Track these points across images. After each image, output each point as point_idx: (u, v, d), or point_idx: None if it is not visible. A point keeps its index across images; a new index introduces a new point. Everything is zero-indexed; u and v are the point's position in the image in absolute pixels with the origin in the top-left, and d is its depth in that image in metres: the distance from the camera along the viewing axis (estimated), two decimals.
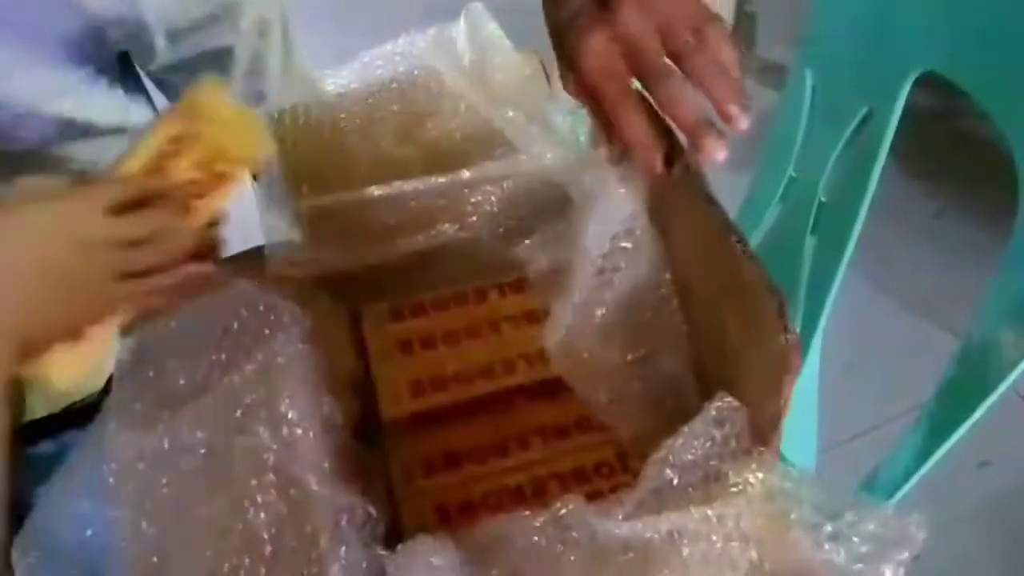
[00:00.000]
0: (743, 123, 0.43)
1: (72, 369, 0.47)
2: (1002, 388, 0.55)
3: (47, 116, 0.71)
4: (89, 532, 0.30)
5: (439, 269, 0.64)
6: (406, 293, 0.64)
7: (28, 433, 0.90)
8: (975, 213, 1.44)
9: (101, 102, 0.75)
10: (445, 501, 0.49)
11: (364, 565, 0.38)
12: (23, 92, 0.69)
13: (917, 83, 0.60)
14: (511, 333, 0.60)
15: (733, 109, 0.43)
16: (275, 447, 0.43)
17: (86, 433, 0.47)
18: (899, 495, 0.66)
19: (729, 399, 0.37)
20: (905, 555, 0.32)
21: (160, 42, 0.77)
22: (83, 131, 0.74)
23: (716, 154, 0.43)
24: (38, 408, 0.99)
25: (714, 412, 0.36)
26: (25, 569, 0.42)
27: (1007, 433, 0.96)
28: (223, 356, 0.47)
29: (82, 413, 0.48)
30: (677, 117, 0.44)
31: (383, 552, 0.39)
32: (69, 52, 0.70)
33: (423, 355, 0.56)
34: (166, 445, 0.45)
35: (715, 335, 0.47)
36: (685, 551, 0.30)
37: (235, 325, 0.49)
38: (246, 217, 0.59)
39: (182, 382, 0.47)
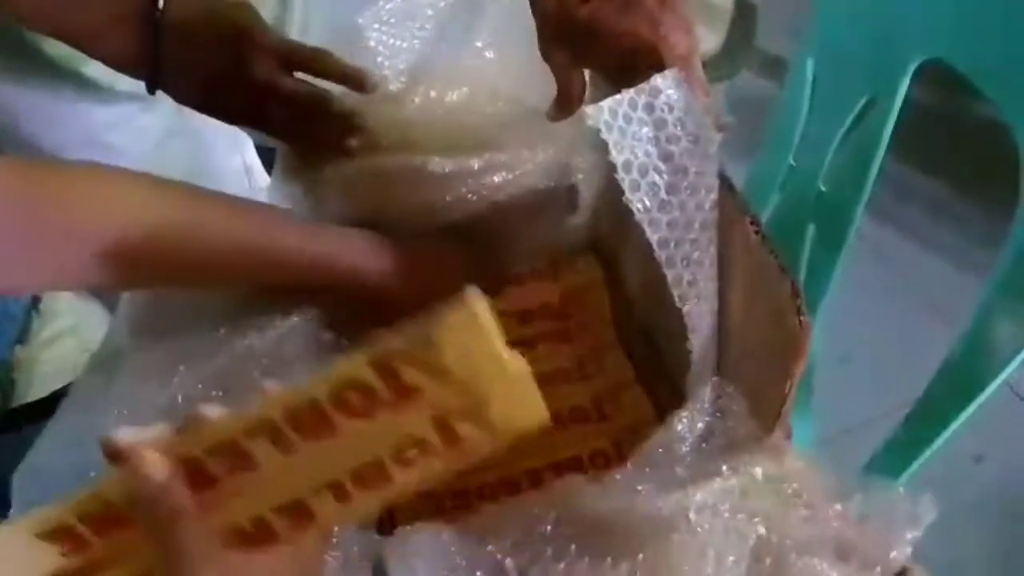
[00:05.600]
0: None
1: None
2: (998, 382, 0.55)
3: (83, 77, 0.72)
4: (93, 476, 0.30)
5: None
6: None
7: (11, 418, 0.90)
8: (972, 208, 1.44)
9: None
10: (440, 491, 0.49)
11: (357, 549, 0.37)
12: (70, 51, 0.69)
13: (917, 77, 0.60)
14: (506, 330, 0.59)
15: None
16: None
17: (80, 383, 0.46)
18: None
19: (729, 386, 0.37)
20: (913, 534, 0.32)
21: None
22: (105, 95, 0.75)
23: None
24: (32, 391, 0.99)
25: (715, 395, 0.36)
26: (22, 506, 0.42)
27: (1002, 428, 0.97)
28: (240, 318, 0.46)
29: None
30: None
31: (378, 537, 0.39)
32: None
33: None
34: (180, 399, 0.44)
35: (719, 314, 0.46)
36: (692, 517, 0.30)
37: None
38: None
39: (198, 339, 0.46)
